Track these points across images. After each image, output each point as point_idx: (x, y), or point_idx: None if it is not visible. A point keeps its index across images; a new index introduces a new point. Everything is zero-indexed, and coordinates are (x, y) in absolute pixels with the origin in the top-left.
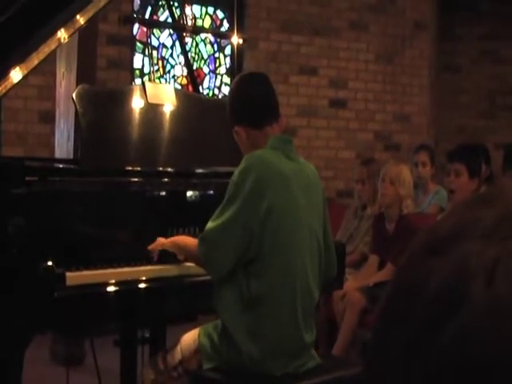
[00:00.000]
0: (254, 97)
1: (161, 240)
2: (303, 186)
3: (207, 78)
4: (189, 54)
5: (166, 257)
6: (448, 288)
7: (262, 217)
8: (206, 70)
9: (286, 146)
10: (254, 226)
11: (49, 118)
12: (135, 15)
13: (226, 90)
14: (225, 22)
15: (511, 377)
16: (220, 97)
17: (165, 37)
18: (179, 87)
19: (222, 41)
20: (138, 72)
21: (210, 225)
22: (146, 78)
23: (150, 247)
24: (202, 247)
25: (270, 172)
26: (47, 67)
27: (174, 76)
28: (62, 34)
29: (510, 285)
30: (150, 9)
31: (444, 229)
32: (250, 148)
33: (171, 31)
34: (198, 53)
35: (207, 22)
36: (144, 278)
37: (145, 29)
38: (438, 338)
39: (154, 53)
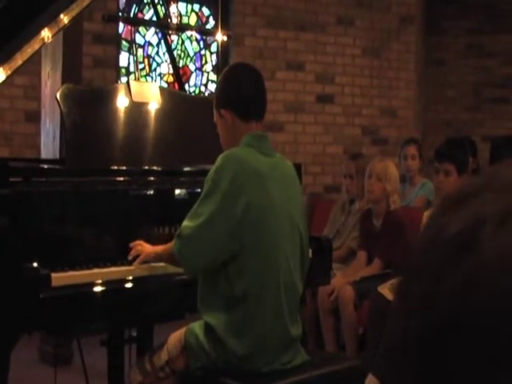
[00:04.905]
0: (249, 88)
1: (138, 244)
2: (280, 180)
3: (193, 75)
4: (174, 52)
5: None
6: (463, 231)
7: (240, 215)
8: (192, 67)
9: (261, 142)
10: (232, 224)
11: (35, 117)
12: (120, 14)
13: (212, 87)
14: (211, 19)
15: None
16: (206, 94)
17: (150, 35)
18: (165, 85)
19: (208, 38)
20: (123, 70)
21: (185, 223)
22: (131, 77)
23: (136, 262)
24: (178, 244)
25: (245, 170)
26: (33, 67)
27: (160, 74)
28: (46, 34)
29: None
30: (135, 7)
31: (466, 186)
32: (231, 136)
33: (157, 29)
34: (184, 50)
35: (193, 20)
36: (130, 278)
37: (130, 27)
38: (453, 276)
39: (140, 51)
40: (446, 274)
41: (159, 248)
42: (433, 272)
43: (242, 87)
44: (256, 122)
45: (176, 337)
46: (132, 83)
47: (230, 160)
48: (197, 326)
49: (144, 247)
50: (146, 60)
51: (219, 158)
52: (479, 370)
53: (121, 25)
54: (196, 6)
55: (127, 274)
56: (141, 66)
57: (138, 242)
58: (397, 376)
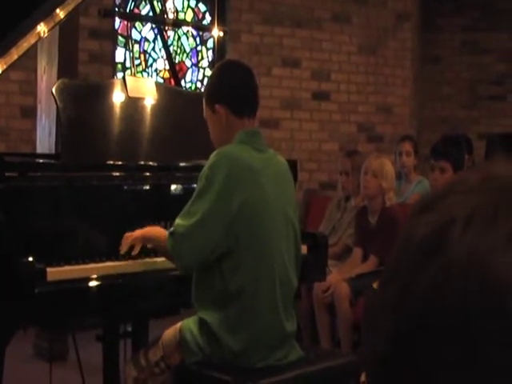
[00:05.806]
0: (242, 84)
1: (128, 235)
2: (274, 175)
3: (190, 71)
4: (171, 48)
5: (146, 250)
6: (431, 233)
7: (235, 212)
8: (188, 63)
9: (254, 138)
10: (227, 221)
11: (30, 113)
12: (116, 9)
13: None
14: (207, 15)
15: (485, 309)
16: (202, 90)
17: (146, 30)
18: (161, 81)
19: (204, 34)
20: (119, 66)
21: (178, 221)
22: (127, 72)
23: (122, 250)
24: (171, 241)
25: (239, 167)
26: (29, 62)
27: (156, 70)
28: (42, 29)
29: (487, 226)
30: (131, 2)
31: (436, 191)
32: (224, 132)
33: (153, 25)
34: (180, 46)
35: (189, 16)
36: (126, 273)
37: (126, 22)
38: (423, 277)
39: (136, 46)
40: (416, 276)
41: (148, 232)
42: (405, 274)
43: (236, 83)
44: (249, 119)
45: (170, 332)
46: (128, 78)
47: (223, 157)
48: (191, 322)
49: (132, 234)
50: (142, 56)
51: (212, 156)
52: (447, 370)
53: (117, 20)
54: (192, 2)
55: (123, 269)
56: (137, 62)
57: (127, 234)
58: (372, 372)
